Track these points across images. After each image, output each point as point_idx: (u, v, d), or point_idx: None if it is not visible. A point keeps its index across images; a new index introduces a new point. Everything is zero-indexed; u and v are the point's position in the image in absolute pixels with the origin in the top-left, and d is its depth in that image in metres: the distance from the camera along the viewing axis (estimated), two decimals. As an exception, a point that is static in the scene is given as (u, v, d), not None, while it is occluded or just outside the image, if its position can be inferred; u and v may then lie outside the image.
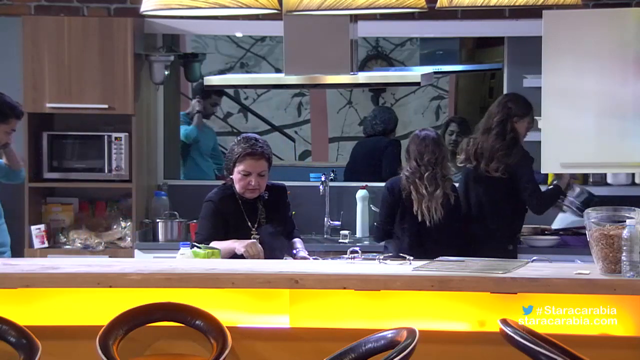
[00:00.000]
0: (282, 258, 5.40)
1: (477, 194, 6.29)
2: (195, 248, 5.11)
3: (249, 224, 5.43)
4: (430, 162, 6.11)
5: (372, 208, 7.18)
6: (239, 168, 5.38)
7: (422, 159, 6.13)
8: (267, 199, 5.47)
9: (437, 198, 6.10)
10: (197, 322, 4.46)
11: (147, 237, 7.11)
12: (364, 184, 7.31)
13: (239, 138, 5.49)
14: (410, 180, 6.14)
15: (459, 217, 6.22)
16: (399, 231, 6.21)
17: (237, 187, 5.41)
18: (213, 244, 5.22)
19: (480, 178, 6.26)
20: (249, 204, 5.45)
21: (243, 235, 5.34)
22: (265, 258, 5.24)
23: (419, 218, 6.12)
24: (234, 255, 5.19)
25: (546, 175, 6.46)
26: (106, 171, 6.96)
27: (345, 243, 6.87)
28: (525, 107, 6.19)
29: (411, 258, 4.79)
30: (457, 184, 6.33)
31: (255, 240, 5.24)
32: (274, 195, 5.50)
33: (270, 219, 5.47)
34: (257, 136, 5.51)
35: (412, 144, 6.23)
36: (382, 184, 7.37)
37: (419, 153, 6.14)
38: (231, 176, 5.44)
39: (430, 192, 6.11)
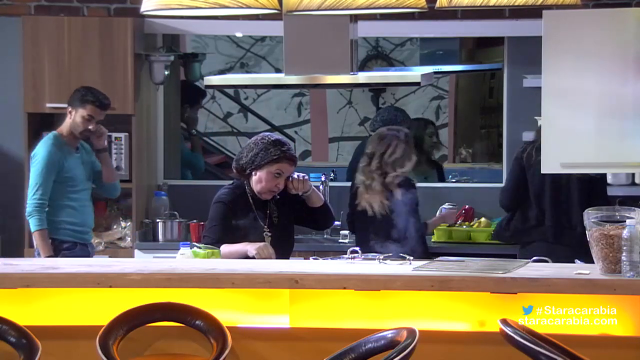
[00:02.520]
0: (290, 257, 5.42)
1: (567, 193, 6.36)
2: (195, 248, 5.11)
3: (261, 222, 5.43)
4: (369, 155, 6.33)
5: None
6: (273, 168, 5.35)
7: (366, 153, 6.37)
8: (278, 197, 5.48)
9: (375, 191, 6.27)
10: (197, 322, 4.46)
11: (147, 237, 7.12)
12: (364, 184, 7.31)
13: (271, 140, 5.44)
14: (358, 174, 6.39)
15: (399, 211, 6.28)
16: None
17: (260, 186, 5.38)
18: (223, 247, 5.22)
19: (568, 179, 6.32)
20: (261, 203, 5.44)
21: (255, 234, 5.34)
22: (277, 256, 5.25)
23: (359, 208, 6.37)
24: (246, 258, 5.19)
25: None
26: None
27: (345, 243, 6.87)
28: None
29: (411, 258, 4.79)
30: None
31: (267, 243, 5.25)
32: (283, 193, 5.49)
33: (282, 218, 5.47)
34: (287, 140, 5.54)
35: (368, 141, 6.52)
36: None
37: (365, 148, 6.42)
38: (253, 174, 5.41)
39: (367, 185, 6.31)
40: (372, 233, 6.30)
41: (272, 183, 5.38)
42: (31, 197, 6.14)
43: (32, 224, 6.12)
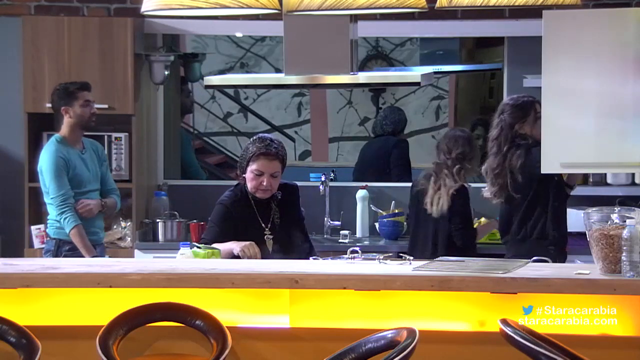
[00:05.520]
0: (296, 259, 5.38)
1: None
2: (195, 248, 5.11)
3: (262, 225, 5.41)
4: (459, 157, 6.31)
5: (372, 208, 7.19)
6: (252, 167, 5.35)
7: (450, 154, 6.32)
8: (280, 198, 5.46)
9: (446, 191, 6.29)
10: (197, 322, 4.46)
11: (147, 237, 7.12)
12: (364, 183, 7.32)
13: (254, 137, 5.46)
14: (430, 174, 6.35)
15: (460, 216, 6.30)
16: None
17: (249, 186, 5.38)
18: (214, 245, 5.21)
19: None
20: (262, 205, 5.42)
21: (256, 236, 5.32)
22: (281, 258, 5.23)
23: (428, 210, 6.32)
24: (234, 256, 5.18)
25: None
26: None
27: (345, 243, 6.87)
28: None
29: (411, 258, 4.78)
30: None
31: (252, 242, 5.22)
32: (286, 194, 5.48)
33: (284, 220, 5.45)
34: (272, 137, 5.49)
35: (443, 140, 6.44)
36: (388, 184, 7.41)
37: (447, 149, 6.33)
38: (244, 175, 5.41)
39: (444, 185, 6.30)
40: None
41: (256, 181, 5.35)
42: (55, 197, 6.06)
43: (67, 223, 6.05)
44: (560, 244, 6.01)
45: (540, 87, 5.23)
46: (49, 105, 6.47)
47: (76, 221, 6.05)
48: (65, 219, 6.05)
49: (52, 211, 6.15)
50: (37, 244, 6.86)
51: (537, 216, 5.99)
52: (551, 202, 5.98)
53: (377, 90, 10.10)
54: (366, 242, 7.05)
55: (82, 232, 6.05)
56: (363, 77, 5.92)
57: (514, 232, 6.06)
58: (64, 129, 6.21)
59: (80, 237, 6.03)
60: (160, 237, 7.09)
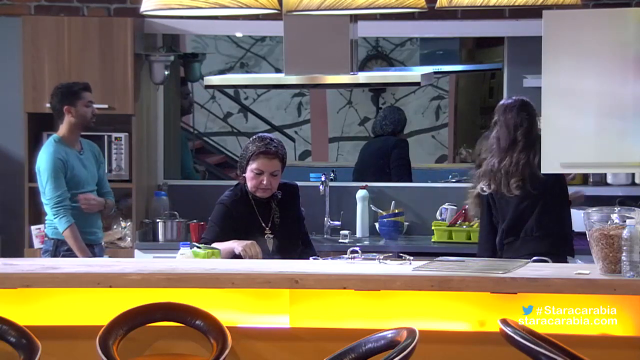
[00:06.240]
0: (297, 258, 5.38)
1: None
2: (195, 248, 5.11)
3: (263, 224, 5.41)
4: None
5: (372, 208, 7.19)
6: (252, 166, 5.35)
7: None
8: (280, 198, 5.46)
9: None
10: (197, 322, 4.46)
11: (147, 237, 7.12)
12: (364, 183, 7.32)
13: (254, 137, 5.46)
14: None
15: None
16: None
17: (249, 185, 5.38)
18: (215, 244, 5.21)
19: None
20: (263, 204, 5.42)
21: (257, 235, 5.32)
22: (282, 257, 5.23)
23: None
24: (235, 255, 5.19)
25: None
26: (106, 171, 6.95)
27: (345, 243, 6.87)
28: None
29: (411, 258, 4.78)
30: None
31: (254, 242, 5.23)
32: (287, 194, 5.48)
33: (284, 219, 5.45)
34: (272, 136, 5.49)
35: None
36: (388, 184, 7.39)
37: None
38: (244, 175, 5.41)
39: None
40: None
41: (256, 181, 5.34)
42: (50, 199, 6.05)
43: (61, 223, 6.04)
44: (573, 242, 6.01)
45: (540, 87, 5.23)
46: (48, 105, 6.47)
47: (69, 221, 6.03)
48: (58, 218, 6.04)
49: (48, 211, 6.16)
50: (37, 244, 6.85)
51: (558, 213, 5.96)
52: (569, 200, 6.01)
53: (377, 90, 10.11)
54: (366, 242, 7.05)
55: (76, 233, 6.04)
56: (363, 77, 5.93)
57: (529, 230, 5.99)
58: (63, 129, 6.20)
59: (74, 239, 6.02)
60: (160, 237, 7.10)
